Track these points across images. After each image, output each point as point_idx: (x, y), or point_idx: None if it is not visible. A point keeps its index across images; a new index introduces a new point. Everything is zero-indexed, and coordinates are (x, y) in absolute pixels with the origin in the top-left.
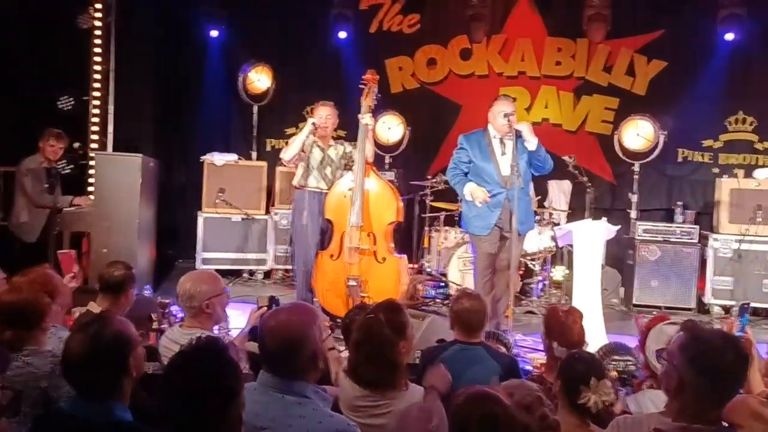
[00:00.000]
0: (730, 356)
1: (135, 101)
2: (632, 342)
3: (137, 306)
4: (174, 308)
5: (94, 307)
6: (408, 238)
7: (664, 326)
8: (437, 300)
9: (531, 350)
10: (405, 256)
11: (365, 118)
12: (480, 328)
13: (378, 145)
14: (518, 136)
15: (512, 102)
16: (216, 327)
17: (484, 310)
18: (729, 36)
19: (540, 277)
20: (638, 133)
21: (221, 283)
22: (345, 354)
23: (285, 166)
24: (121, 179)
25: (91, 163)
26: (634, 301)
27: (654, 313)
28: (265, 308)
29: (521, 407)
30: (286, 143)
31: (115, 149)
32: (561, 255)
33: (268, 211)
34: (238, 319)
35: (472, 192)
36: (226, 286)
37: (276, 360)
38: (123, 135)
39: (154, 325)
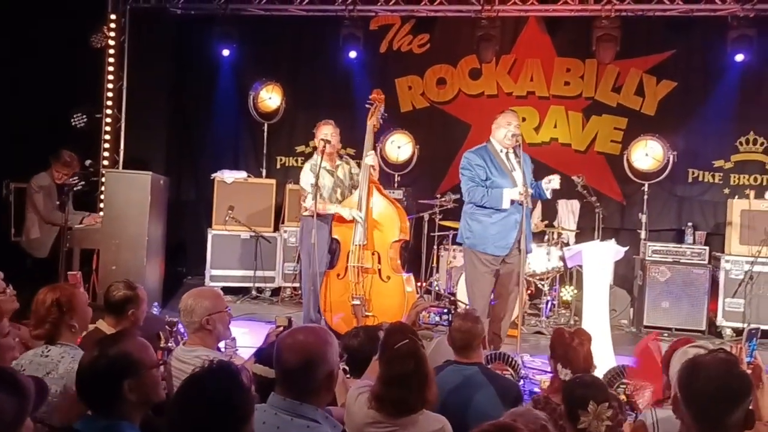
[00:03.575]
0: (709, 388)
1: (147, 119)
2: None
3: (145, 324)
4: (182, 326)
5: (103, 325)
6: (417, 257)
7: (689, 348)
8: (442, 326)
9: (539, 371)
10: (411, 274)
11: (368, 158)
12: (470, 348)
13: (387, 163)
14: (516, 152)
15: (516, 115)
16: (223, 346)
17: (472, 330)
18: (739, 57)
19: (549, 297)
20: (647, 153)
21: (223, 300)
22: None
23: (295, 184)
24: (130, 197)
25: (102, 180)
26: (645, 323)
27: (665, 334)
28: (283, 329)
29: None
30: (305, 191)
31: (126, 166)
32: (569, 275)
33: (277, 229)
34: (244, 337)
35: (511, 195)
36: (228, 305)
37: (291, 379)
38: (134, 152)
39: (162, 344)
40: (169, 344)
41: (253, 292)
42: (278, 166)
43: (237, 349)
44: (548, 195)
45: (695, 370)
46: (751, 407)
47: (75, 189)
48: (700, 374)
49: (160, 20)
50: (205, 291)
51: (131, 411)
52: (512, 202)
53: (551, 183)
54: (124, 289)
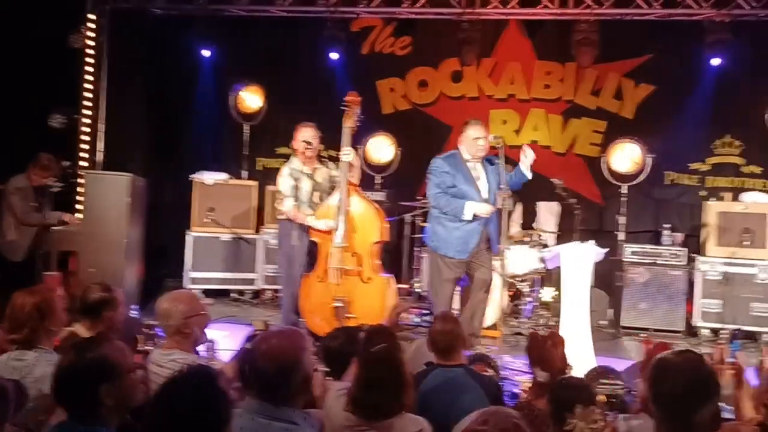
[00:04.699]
0: (676, 387)
1: (126, 120)
2: (620, 364)
3: (123, 327)
4: (160, 329)
5: (80, 329)
6: (398, 259)
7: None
8: (422, 327)
9: (520, 372)
10: (392, 276)
11: (345, 155)
12: (453, 350)
13: (369, 165)
14: (488, 160)
15: (484, 126)
16: (203, 349)
17: (455, 331)
18: (716, 61)
19: (529, 299)
20: (625, 156)
21: (200, 303)
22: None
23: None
24: (109, 198)
25: (80, 181)
26: (623, 323)
27: (642, 335)
28: (260, 333)
29: None
30: (282, 196)
31: (105, 168)
32: (550, 276)
33: (257, 231)
34: (224, 340)
35: (475, 209)
36: (205, 307)
37: (268, 385)
38: (113, 153)
39: (140, 347)
40: (147, 347)
41: (234, 295)
42: (259, 168)
43: (216, 352)
44: (528, 174)
45: (663, 370)
46: (717, 408)
47: (52, 190)
48: (668, 373)
49: (139, 20)
50: (181, 294)
51: (108, 416)
52: (475, 216)
53: (527, 157)
54: (100, 291)
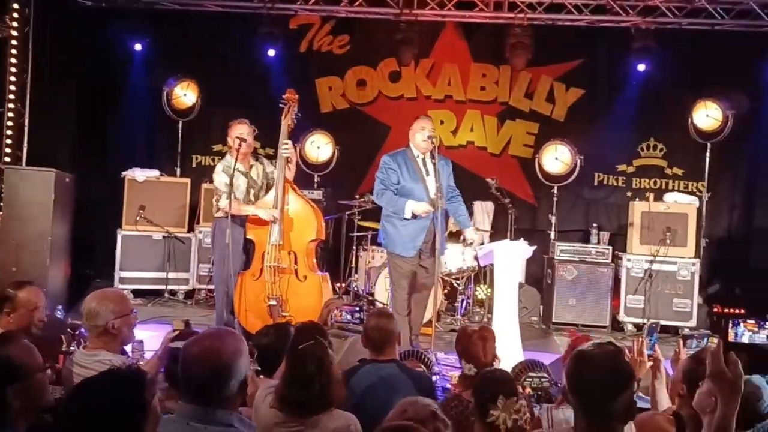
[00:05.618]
0: (592, 378)
1: (53, 114)
2: (550, 359)
3: (47, 327)
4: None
5: None
6: (335, 258)
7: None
8: (353, 324)
9: (453, 368)
10: (327, 274)
11: (285, 151)
12: (387, 345)
13: (307, 164)
14: (434, 156)
15: (431, 120)
16: (130, 349)
17: (388, 327)
18: (641, 67)
19: (464, 296)
20: (557, 157)
21: (129, 303)
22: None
23: (211, 183)
24: (32, 195)
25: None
26: (553, 319)
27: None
28: (179, 333)
29: (415, 422)
30: (219, 193)
31: (30, 163)
32: (484, 274)
33: (191, 229)
34: (154, 340)
35: (413, 208)
36: (134, 308)
37: (202, 389)
38: (39, 149)
39: (64, 347)
40: (71, 348)
41: (166, 295)
42: (194, 165)
43: (144, 353)
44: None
45: (582, 361)
46: (632, 398)
47: None
48: (584, 365)
49: (68, 11)
50: (109, 293)
51: (16, 418)
52: (415, 216)
53: (473, 244)
54: (8, 288)
